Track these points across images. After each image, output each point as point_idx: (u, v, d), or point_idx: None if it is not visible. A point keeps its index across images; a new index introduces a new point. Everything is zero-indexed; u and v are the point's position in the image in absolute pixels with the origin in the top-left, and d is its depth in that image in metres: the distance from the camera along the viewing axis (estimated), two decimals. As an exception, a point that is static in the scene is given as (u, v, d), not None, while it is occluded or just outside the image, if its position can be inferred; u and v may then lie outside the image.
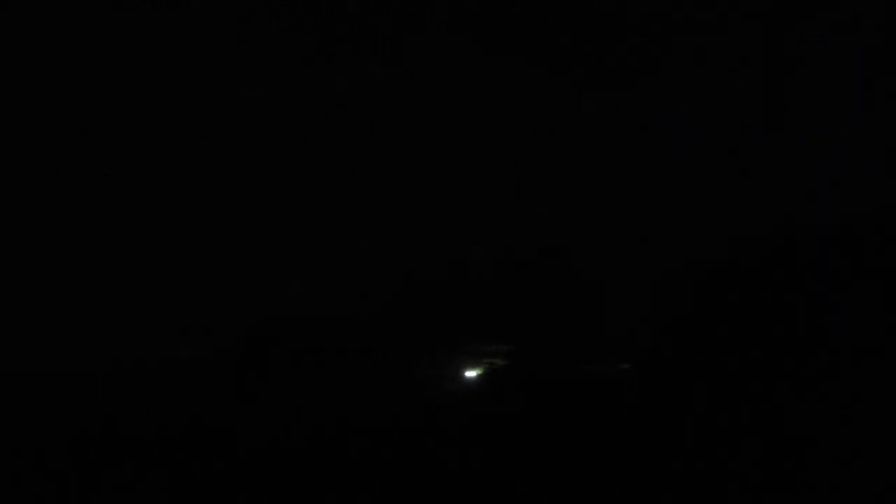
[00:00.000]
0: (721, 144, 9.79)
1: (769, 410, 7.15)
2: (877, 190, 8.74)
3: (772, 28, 9.78)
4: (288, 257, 9.98)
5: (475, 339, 9.45)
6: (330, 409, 8.32)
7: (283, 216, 10.14)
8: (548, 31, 10.12)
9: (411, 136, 10.24)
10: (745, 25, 9.83)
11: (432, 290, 9.85)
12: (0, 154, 9.79)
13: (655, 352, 8.37)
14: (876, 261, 7.85)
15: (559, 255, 9.80)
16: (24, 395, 8.54)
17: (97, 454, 7.50)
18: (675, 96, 9.93)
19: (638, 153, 10.03)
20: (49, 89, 9.90)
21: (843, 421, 6.85)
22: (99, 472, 7.22)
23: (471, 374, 9.24)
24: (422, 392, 8.81)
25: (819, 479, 6.50)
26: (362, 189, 10.20)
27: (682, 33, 9.91)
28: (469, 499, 6.92)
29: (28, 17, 9.77)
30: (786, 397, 7.32)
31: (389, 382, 8.87)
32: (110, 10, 9.79)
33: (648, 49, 9.99)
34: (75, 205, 9.95)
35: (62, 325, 9.35)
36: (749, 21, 9.82)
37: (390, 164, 10.27)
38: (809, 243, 8.37)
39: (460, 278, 9.88)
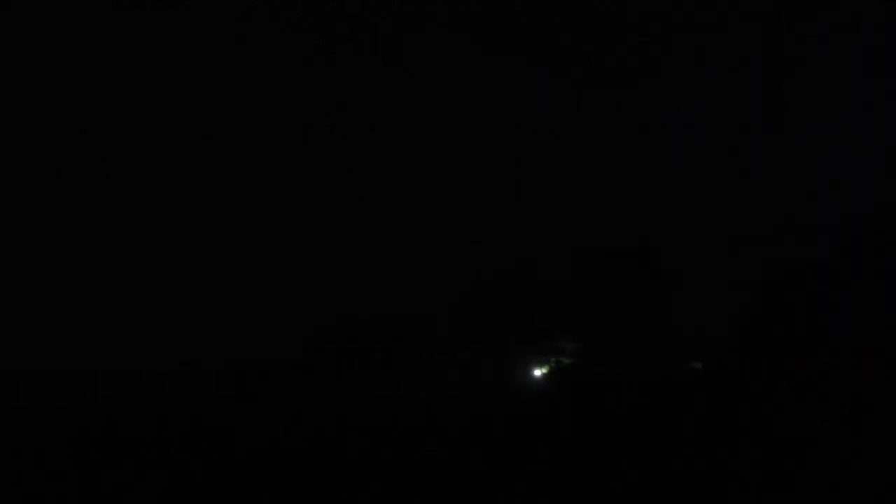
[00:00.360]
0: (721, 144, 9.80)
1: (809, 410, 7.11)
2: (877, 190, 8.75)
3: (772, 28, 9.79)
4: (341, 257, 10.09)
5: (543, 337, 9.50)
6: (384, 407, 8.34)
7: (306, 217, 10.22)
8: (548, 31, 10.13)
9: (411, 135, 10.25)
10: (745, 25, 9.84)
11: (498, 290, 9.99)
12: (2, 154, 9.81)
13: (729, 351, 8.37)
14: (876, 261, 7.85)
15: (624, 254, 9.86)
16: (24, 394, 8.56)
17: (97, 454, 7.50)
18: (675, 96, 9.94)
19: (638, 153, 10.04)
20: (50, 89, 9.91)
21: (843, 421, 6.85)
22: (99, 472, 7.22)
23: (538, 372, 9.31)
24: (490, 390, 8.85)
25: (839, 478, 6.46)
26: (377, 190, 10.25)
27: (682, 33, 9.93)
28: (525, 496, 6.84)
29: (28, 17, 9.78)
30: (786, 397, 7.32)
31: (460, 381, 8.92)
32: (110, 10, 9.80)
33: (648, 49, 10.00)
34: (78, 207, 9.96)
35: (64, 326, 9.36)
36: (749, 21, 9.83)
37: (390, 164, 10.28)
38: (809, 243, 8.38)
39: (527, 278, 9.99)
